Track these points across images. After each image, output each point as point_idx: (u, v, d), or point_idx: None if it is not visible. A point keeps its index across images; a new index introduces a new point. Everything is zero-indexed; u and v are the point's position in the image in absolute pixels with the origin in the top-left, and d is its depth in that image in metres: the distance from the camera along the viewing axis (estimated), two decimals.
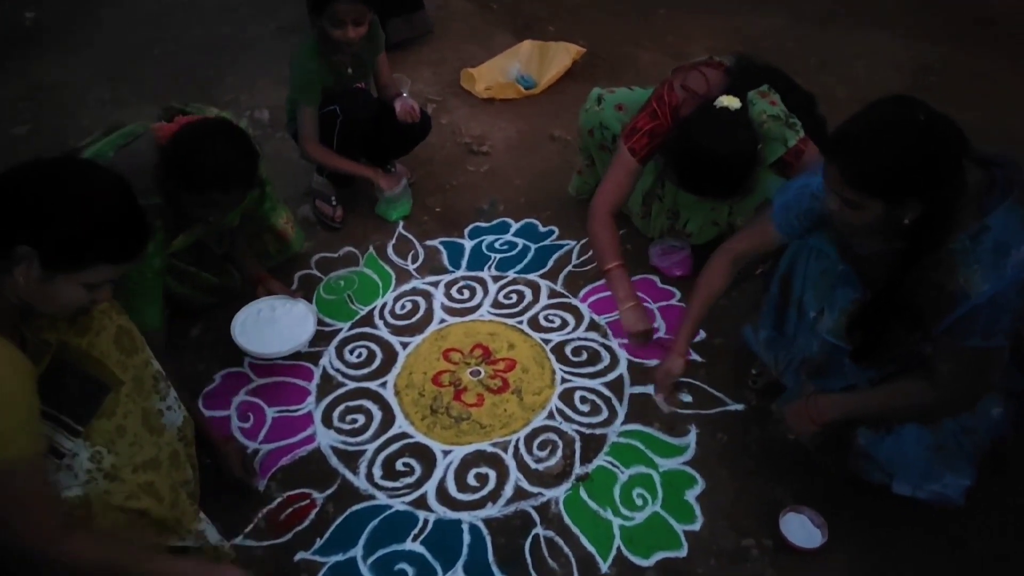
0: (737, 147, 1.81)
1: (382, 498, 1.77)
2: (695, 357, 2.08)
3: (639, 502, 1.75)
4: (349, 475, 1.82)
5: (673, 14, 3.77)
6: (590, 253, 2.42)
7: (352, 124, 2.40)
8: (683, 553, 1.65)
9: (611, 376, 2.05)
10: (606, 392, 2.01)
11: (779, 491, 1.77)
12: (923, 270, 1.33)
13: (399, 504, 1.75)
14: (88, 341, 1.38)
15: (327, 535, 1.69)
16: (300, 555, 1.65)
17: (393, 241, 2.50)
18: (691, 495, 1.76)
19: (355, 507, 1.75)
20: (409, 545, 1.67)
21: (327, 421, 1.94)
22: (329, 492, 1.78)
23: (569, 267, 2.39)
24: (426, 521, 1.72)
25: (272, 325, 2.06)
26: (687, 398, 1.96)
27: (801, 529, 1.63)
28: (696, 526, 1.70)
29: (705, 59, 2.03)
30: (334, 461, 1.85)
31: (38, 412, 1.18)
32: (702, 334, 2.13)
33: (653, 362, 2.07)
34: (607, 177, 2.08)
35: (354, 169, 2.43)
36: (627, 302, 1.98)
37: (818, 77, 3.02)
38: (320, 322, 2.19)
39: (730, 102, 1.83)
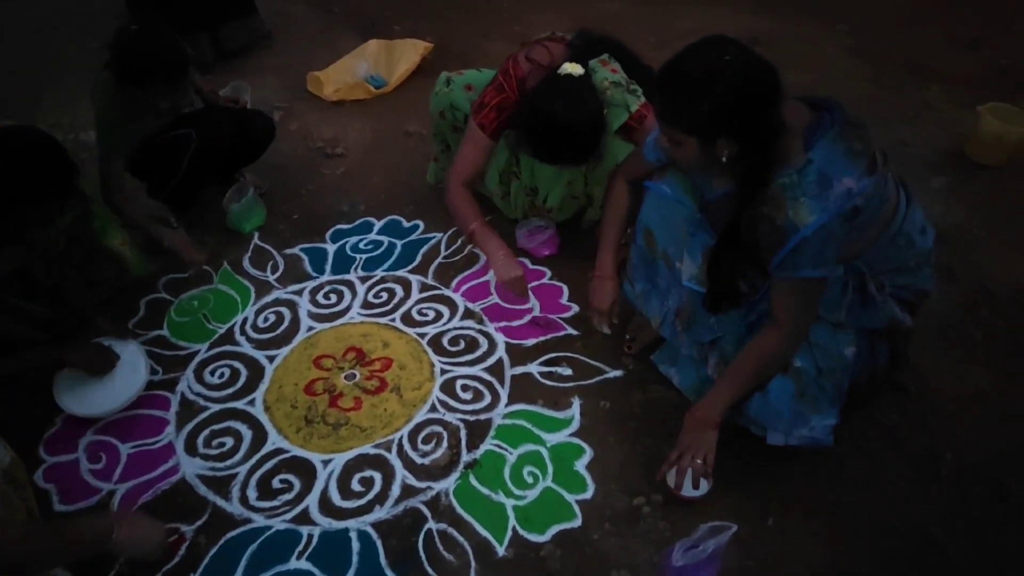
0: (585, 111, 1.83)
1: (260, 520, 1.64)
2: (570, 331, 2.08)
3: (530, 480, 1.72)
4: (221, 502, 1.68)
5: (516, 4, 3.81)
6: (459, 243, 2.38)
7: (207, 150, 2.25)
8: (578, 523, 1.64)
9: (491, 360, 2.01)
10: (487, 377, 1.97)
11: (666, 449, 1.77)
12: (758, 206, 1.37)
13: (279, 523, 1.64)
14: None
15: (201, 569, 1.55)
16: None
17: (249, 253, 2.35)
18: (580, 465, 1.75)
19: (230, 533, 1.61)
20: (294, 563, 1.56)
21: (191, 449, 1.79)
22: (199, 523, 1.64)
23: (439, 259, 2.34)
24: (311, 536, 1.61)
25: (97, 378, 1.85)
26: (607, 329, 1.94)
27: (687, 480, 1.65)
28: (588, 494, 1.69)
29: (548, 35, 2.05)
30: (202, 490, 1.71)
31: None
32: (576, 308, 2.14)
33: (531, 341, 2.06)
34: (459, 153, 2.08)
35: (151, 229, 2.21)
36: (498, 252, 2.04)
37: (657, 54, 3.12)
38: (173, 347, 2.04)
39: (573, 69, 1.85)
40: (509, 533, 1.62)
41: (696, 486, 1.60)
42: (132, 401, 1.84)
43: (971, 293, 2.16)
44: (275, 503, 1.68)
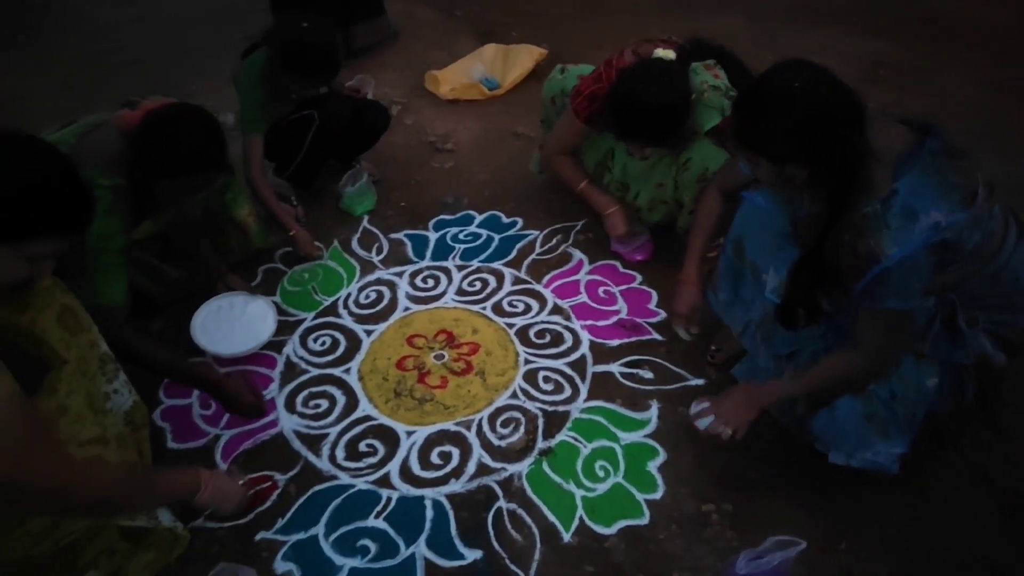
0: (666, 92, 1.90)
1: (345, 478, 1.76)
2: (656, 336, 2.11)
3: (601, 474, 1.76)
4: (312, 457, 1.81)
5: (634, 17, 3.86)
6: (554, 242, 2.45)
7: (327, 131, 2.42)
8: (645, 520, 1.66)
9: (574, 356, 2.07)
10: (569, 371, 2.02)
11: (741, 460, 1.79)
12: (840, 233, 1.35)
13: (362, 483, 1.75)
14: (30, 318, 1.36)
15: (289, 515, 1.68)
16: (261, 534, 1.64)
17: (358, 235, 2.51)
18: (653, 466, 1.78)
19: (317, 487, 1.74)
20: (372, 522, 1.66)
21: (290, 407, 1.94)
22: (291, 474, 1.77)
23: (533, 255, 2.41)
24: (389, 499, 1.72)
25: (232, 324, 2.06)
26: (688, 335, 2.01)
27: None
28: (658, 495, 1.72)
29: (663, 38, 2.10)
30: (297, 444, 1.84)
31: None
32: (663, 314, 2.16)
33: (615, 342, 2.10)
34: (554, 130, 2.26)
35: (280, 214, 2.35)
36: (609, 207, 2.21)
37: None
38: (284, 313, 2.20)
39: (665, 54, 1.92)
40: (576, 522, 1.66)
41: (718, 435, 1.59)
42: (260, 347, 2.03)
43: None
44: (360, 465, 1.79)
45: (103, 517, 1.39)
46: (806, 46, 3.46)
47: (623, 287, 2.28)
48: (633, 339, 2.11)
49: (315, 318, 2.21)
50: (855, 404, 1.52)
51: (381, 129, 2.66)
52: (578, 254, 2.40)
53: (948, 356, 1.50)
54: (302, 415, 1.92)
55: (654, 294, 2.25)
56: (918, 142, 1.35)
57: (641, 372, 2.01)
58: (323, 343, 2.13)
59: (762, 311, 1.70)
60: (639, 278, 2.31)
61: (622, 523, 1.66)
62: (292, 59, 2.19)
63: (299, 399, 1.96)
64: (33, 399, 1.30)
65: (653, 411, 1.91)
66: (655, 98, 1.89)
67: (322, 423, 1.90)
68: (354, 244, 2.47)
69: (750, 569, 1.47)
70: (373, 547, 1.61)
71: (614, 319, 2.17)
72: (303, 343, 2.12)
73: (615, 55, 2.08)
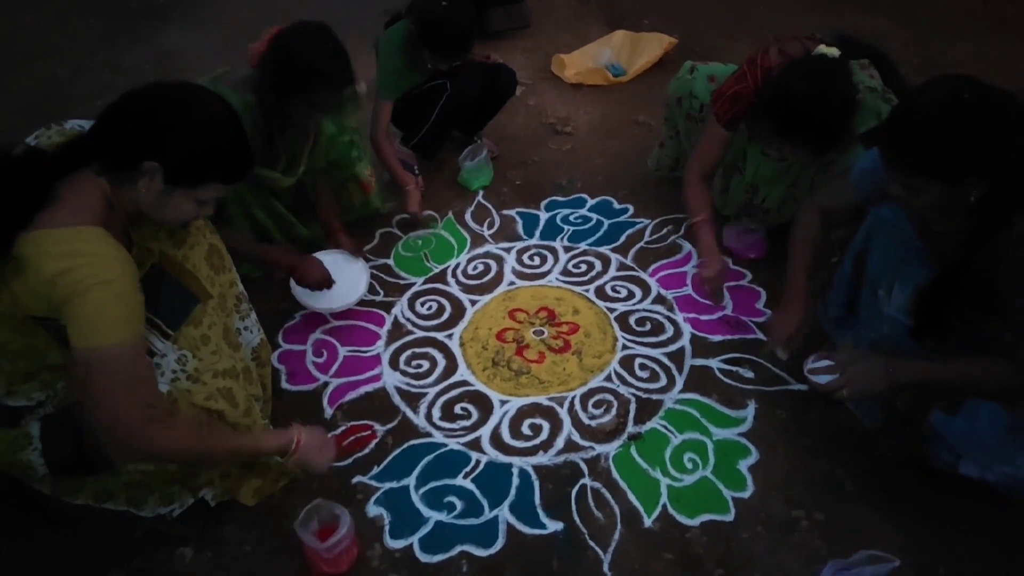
0: (834, 91, 1.76)
1: (439, 437, 1.84)
2: (760, 335, 2.06)
3: (689, 465, 1.75)
4: (410, 413, 1.90)
5: (772, 11, 3.73)
6: (664, 231, 2.43)
7: (457, 101, 2.49)
8: (730, 517, 1.64)
9: (673, 347, 2.05)
10: (666, 362, 2.01)
11: (838, 471, 1.73)
12: (998, 247, 1.28)
13: (454, 444, 1.82)
14: (183, 254, 1.50)
15: (384, 463, 1.77)
16: (358, 478, 1.74)
17: (472, 208, 2.59)
18: (744, 465, 1.75)
19: (413, 441, 1.82)
20: (460, 481, 1.73)
21: (394, 364, 2.04)
22: (390, 426, 1.87)
23: (641, 243, 2.41)
24: (478, 461, 1.78)
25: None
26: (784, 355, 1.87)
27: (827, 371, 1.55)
28: (746, 494, 1.69)
29: (808, 35, 2.00)
30: (397, 400, 1.94)
31: (143, 308, 1.28)
32: (768, 313, 2.11)
33: (717, 338, 2.07)
34: (698, 144, 2.11)
35: (400, 174, 2.45)
36: (709, 249, 2.06)
37: (919, 77, 2.92)
38: (395, 275, 2.30)
39: (829, 51, 1.81)
40: (659, 509, 1.66)
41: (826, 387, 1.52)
42: (346, 308, 2.10)
43: None
44: (454, 426, 1.86)
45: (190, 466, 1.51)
46: (960, 56, 3.24)
47: (731, 283, 2.23)
48: (736, 336, 2.07)
49: (425, 283, 2.30)
50: (999, 415, 1.43)
51: (508, 93, 2.71)
52: (687, 246, 2.38)
53: None
54: (404, 373, 2.01)
55: (762, 293, 2.19)
56: None
57: (741, 370, 1.97)
58: (430, 307, 2.21)
59: (877, 331, 1.63)
60: (748, 276, 2.26)
61: (706, 516, 1.65)
62: (429, 34, 2.28)
63: (403, 358, 2.05)
64: (176, 333, 1.44)
65: (750, 410, 1.87)
66: (824, 98, 1.75)
67: (422, 383, 1.98)
68: (467, 217, 2.55)
69: None
70: (459, 504, 1.68)
71: (719, 314, 2.13)
72: (411, 306, 2.22)
73: (759, 53, 1.98)
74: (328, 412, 1.90)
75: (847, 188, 1.65)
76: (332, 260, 2.16)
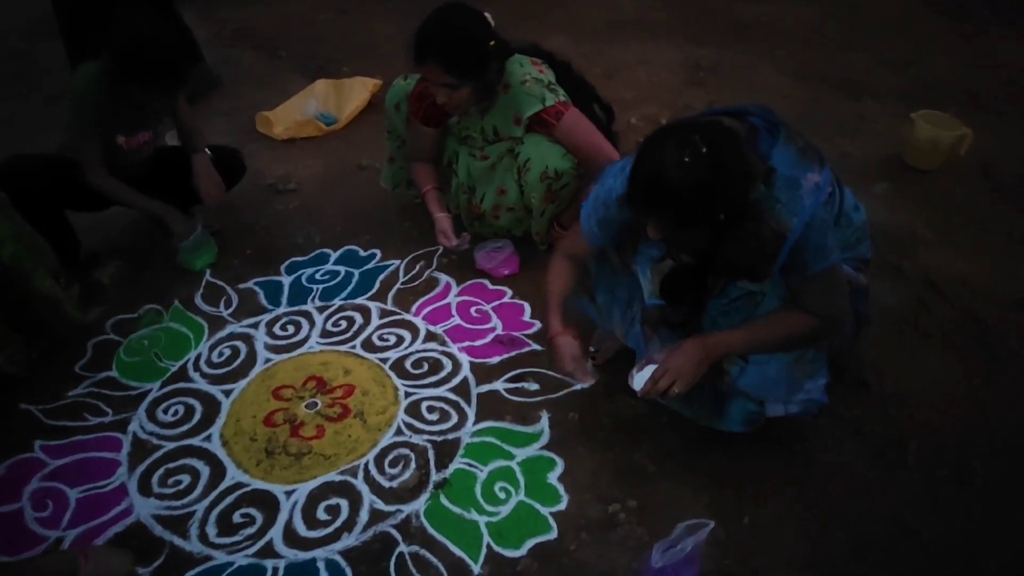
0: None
1: (221, 556, 1.56)
2: (535, 347, 2.06)
3: (502, 495, 1.67)
4: (178, 540, 1.59)
5: None
6: (417, 268, 2.37)
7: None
8: (554, 535, 1.59)
9: (456, 380, 1.98)
10: (453, 397, 1.93)
11: (637, 455, 1.77)
12: (737, 229, 1.39)
13: (241, 558, 1.56)
14: None
15: None
16: None
17: (201, 290, 2.29)
18: (552, 477, 1.72)
19: (189, 573, 1.53)
20: None
21: (145, 489, 1.71)
22: (156, 565, 1.55)
23: (397, 285, 2.31)
24: (276, 569, 1.54)
25: None
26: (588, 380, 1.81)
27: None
28: (562, 505, 1.65)
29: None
30: (159, 530, 1.62)
31: None
32: (539, 324, 2.13)
33: (495, 359, 2.04)
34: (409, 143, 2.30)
35: (144, 204, 2.22)
36: (438, 213, 2.27)
37: (605, 83, 3.22)
38: (124, 387, 1.96)
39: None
40: (484, 550, 1.57)
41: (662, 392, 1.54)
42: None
43: (920, 289, 2.22)
44: (237, 538, 1.60)
45: None
46: (632, 58, 3.63)
47: (495, 303, 2.22)
48: (513, 353, 2.05)
49: (162, 387, 1.98)
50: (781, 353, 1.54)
51: (238, 175, 2.52)
52: (444, 277, 2.33)
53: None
54: (160, 496, 1.69)
55: (527, 306, 2.21)
56: (751, 124, 1.43)
57: (526, 385, 1.95)
58: (175, 412, 1.90)
59: (642, 306, 1.70)
60: (510, 292, 2.27)
61: (531, 541, 1.58)
62: (133, 62, 1.97)
63: (155, 479, 1.73)
64: None
65: (544, 422, 1.85)
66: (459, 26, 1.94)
67: (185, 501, 1.68)
68: (198, 300, 2.26)
69: (666, 560, 1.43)
70: None
71: (491, 337, 2.10)
72: (151, 416, 1.89)
73: None
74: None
75: (583, 241, 1.69)
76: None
